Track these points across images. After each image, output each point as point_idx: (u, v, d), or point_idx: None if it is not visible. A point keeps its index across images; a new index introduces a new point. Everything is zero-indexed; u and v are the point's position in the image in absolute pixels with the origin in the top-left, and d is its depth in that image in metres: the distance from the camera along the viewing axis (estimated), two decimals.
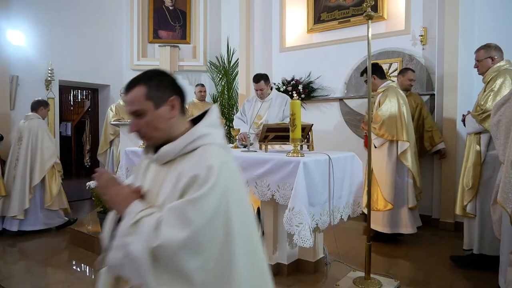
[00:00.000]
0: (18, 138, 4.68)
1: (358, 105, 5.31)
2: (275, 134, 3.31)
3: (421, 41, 4.77)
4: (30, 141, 4.61)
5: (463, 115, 3.38)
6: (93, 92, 7.45)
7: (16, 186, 4.51)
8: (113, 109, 6.45)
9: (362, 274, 2.82)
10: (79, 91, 7.29)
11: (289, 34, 6.09)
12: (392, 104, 3.75)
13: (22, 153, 4.59)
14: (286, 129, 2.98)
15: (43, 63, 6.19)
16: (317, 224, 2.72)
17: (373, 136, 3.81)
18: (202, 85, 6.46)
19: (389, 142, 3.77)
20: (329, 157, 2.88)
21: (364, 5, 2.75)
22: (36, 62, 6.10)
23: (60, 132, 6.51)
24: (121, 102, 6.55)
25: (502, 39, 4.19)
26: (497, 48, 3.24)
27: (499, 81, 3.06)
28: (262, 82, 4.25)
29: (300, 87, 5.67)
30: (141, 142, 4.00)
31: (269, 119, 4.19)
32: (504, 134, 2.50)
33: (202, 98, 6.36)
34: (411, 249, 3.72)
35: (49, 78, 6.22)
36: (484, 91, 3.18)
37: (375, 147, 3.84)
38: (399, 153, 3.74)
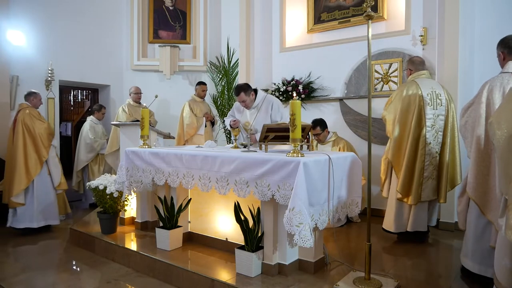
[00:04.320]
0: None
1: (358, 105, 5.31)
2: (275, 134, 3.32)
3: (421, 41, 4.77)
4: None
5: None
6: (93, 92, 7.45)
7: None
8: (126, 110, 6.24)
9: (362, 274, 2.82)
10: (79, 91, 7.29)
11: (289, 34, 6.09)
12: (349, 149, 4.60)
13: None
14: (286, 129, 2.98)
15: (43, 63, 6.19)
16: (316, 224, 2.72)
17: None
18: (205, 84, 6.47)
19: None
20: (329, 157, 2.88)
21: (364, 5, 2.74)
22: (36, 62, 6.10)
23: (60, 132, 6.51)
24: (131, 102, 6.36)
25: None
26: (416, 62, 3.91)
27: (394, 93, 3.84)
28: (242, 93, 4.12)
29: (300, 87, 5.67)
30: (141, 142, 4.00)
31: (258, 127, 4.13)
32: (470, 133, 2.83)
33: (204, 96, 6.36)
34: (411, 249, 3.72)
35: (49, 78, 6.22)
36: None
37: None
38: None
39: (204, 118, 6.15)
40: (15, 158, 4.67)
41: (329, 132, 4.81)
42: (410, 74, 3.93)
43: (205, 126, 6.16)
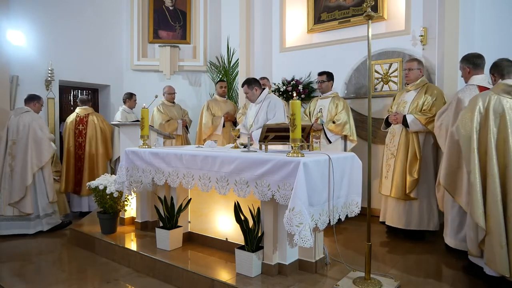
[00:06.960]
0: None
1: (358, 105, 5.31)
2: (275, 134, 3.31)
3: (421, 41, 4.76)
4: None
5: (395, 115, 4.02)
6: (93, 92, 7.44)
7: None
8: (161, 110, 6.07)
9: (362, 274, 2.82)
10: (79, 91, 7.27)
11: (289, 34, 6.08)
12: (348, 109, 4.73)
13: None
14: (286, 129, 2.98)
15: (43, 63, 6.19)
16: (316, 224, 2.72)
17: (329, 134, 4.66)
18: (224, 81, 6.43)
19: (340, 138, 4.73)
20: (329, 157, 2.88)
21: (364, 5, 2.75)
22: (36, 62, 6.10)
23: (60, 132, 6.50)
24: (165, 102, 6.20)
25: (502, 38, 4.20)
26: (423, 65, 4.24)
27: (438, 94, 3.94)
28: (245, 86, 4.33)
29: (300, 87, 5.67)
30: (141, 142, 4.00)
31: (256, 122, 4.23)
32: (445, 134, 3.37)
33: (224, 95, 6.23)
34: (411, 249, 3.72)
35: (49, 78, 6.22)
36: (423, 98, 3.96)
37: (330, 142, 4.68)
38: (348, 149, 4.72)
39: (222, 118, 5.93)
40: (96, 156, 5.73)
41: (332, 87, 4.94)
42: (420, 74, 4.09)
43: (223, 126, 5.93)
